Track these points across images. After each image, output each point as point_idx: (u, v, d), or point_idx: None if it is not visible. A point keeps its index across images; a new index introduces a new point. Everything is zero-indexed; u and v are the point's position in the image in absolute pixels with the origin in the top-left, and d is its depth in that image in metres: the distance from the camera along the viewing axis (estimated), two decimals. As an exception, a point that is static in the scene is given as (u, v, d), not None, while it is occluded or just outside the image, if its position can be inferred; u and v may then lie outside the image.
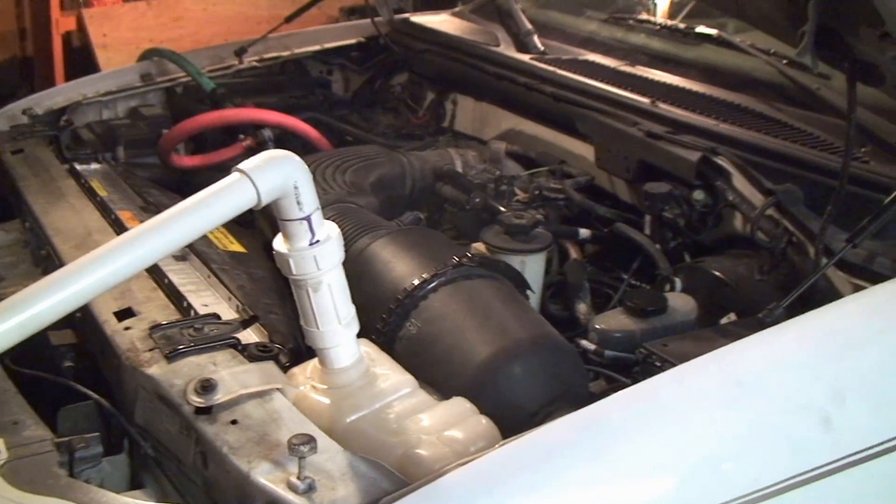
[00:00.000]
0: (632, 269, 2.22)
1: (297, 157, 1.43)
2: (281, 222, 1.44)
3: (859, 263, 1.81)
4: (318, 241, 1.44)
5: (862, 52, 1.74)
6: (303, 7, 3.55)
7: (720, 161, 2.12)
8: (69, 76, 5.75)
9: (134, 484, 1.60)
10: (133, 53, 5.72)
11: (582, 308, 2.14)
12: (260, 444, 1.39)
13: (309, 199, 1.42)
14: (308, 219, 1.42)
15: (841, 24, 1.70)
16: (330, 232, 1.46)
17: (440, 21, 3.37)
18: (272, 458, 1.36)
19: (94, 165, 2.67)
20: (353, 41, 3.55)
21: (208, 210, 1.34)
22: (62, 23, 5.79)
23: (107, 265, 1.25)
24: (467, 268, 1.82)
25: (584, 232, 2.32)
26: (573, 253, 2.31)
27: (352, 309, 1.52)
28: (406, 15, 3.53)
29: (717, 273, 2.04)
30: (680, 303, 1.98)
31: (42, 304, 1.22)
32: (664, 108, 2.34)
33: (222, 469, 1.38)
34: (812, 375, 1.46)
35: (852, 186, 1.90)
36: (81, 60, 5.78)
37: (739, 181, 2.08)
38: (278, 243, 1.47)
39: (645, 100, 2.39)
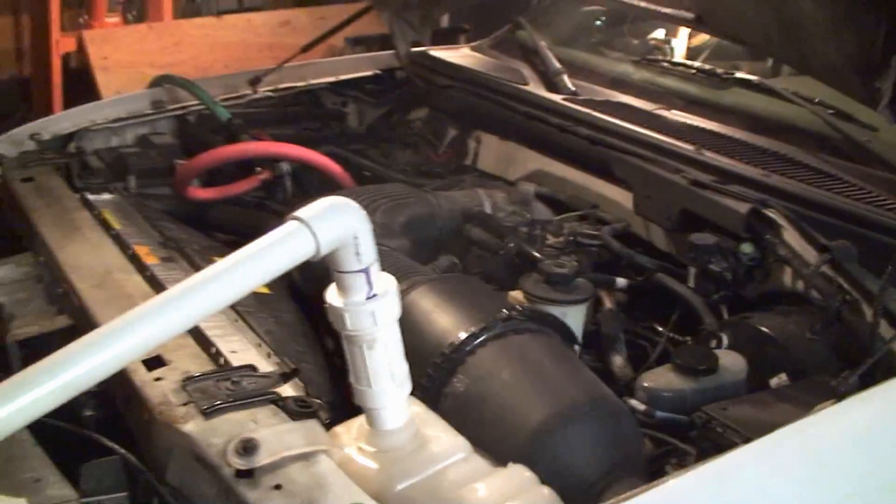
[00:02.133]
0: (671, 323, 2.13)
1: (356, 205, 1.34)
2: (336, 274, 1.34)
3: (919, 327, 1.74)
4: (375, 295, 1.34)
5: (934, 107, 1.67)
6: (321, 36, 3.47)
7: (771, 213, 2.04)
8: (67, 98, 5.67)
9: (163, 548, 1.49)
10: (133, 77, 5.66)
11: (618, 361, 2.05)
12: (306, 512, 1.29)
13: (368, 250, 1.33)
14: (366, 271, 1.33)
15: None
16: (387, 285, 1.37)
17: (461, 56, 3.30)
18: (320, 529, 1.26)
19: (106, 195, 2.57)
20: (368, 73, 3.47)
21: (265, 262, 1.24)
22: (62, 43, 5.69)
23: (159, 321, 1.15)
24: (517, 321, 1.72)
25: (621, 281, 2.24)
26: (607, 302, 2.22)
27: (405, 367, 1.42)
28: (423, 48, 3.45)
29: (766, 330, 1.95)
30: (730, 361, 1.89)
31: (87, 363, 1.11)
32: (709, 155, 2.26)
33: (265, 539, 1.28)
34: (894, 453, 1.37)
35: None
36: (80, 82, 5.69)
37: (791, 235, 2.00)
38: (332, 296, 1.37)
39: (688, 146, 2.31)
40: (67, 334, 1.90)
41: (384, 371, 1.39)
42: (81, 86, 5.62)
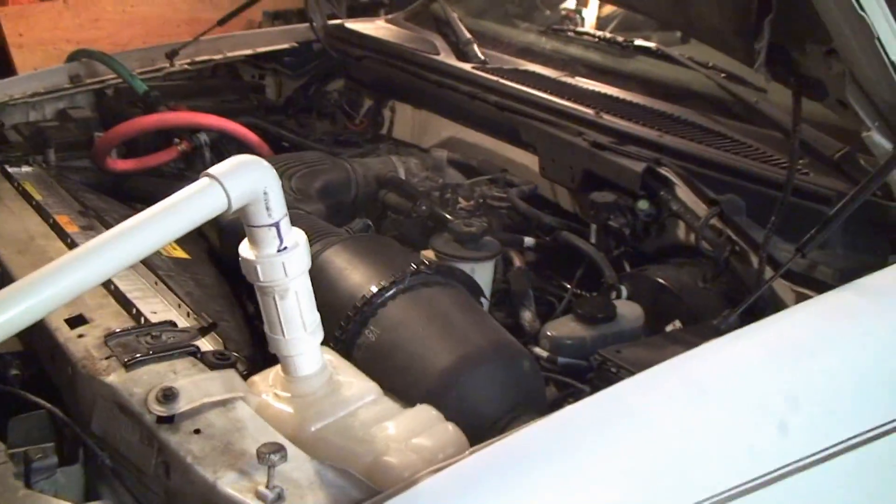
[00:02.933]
0: (576, 278, 2.25)
1: (266, 162, 1.42)
2: (248, 228, 1.43)
3: (801, 272, 1.87)
4: (286, 248, 1.43)
5: (807, 67, 1.80)
6: (236, 10, 3.50)
7: (664, 171, 2.17)
8: (-18, 75, 5.59)
9: (89, 495, 1.56)
10: (50, 54, 5.62)
11: (527, 316, 2.16)
12: (224, 453, 1.38)
13: (278, 204, 1.41)
14: (277, 225, 1.41)
15: (789, 40, 1.76)
16: (297, 238, 1.45)
17: (376, 28, 3.37)
18: (238, 468, 1.34)
19: (26, 168, 2.61)
20: (286, 46, 3.52)
21: (179, 216, 1.32)
22: (-25, 20, 5.62)
23: (75, 272, 1.23)
24: (425, 275, 1.82)
25: (528, 240, 2.35)
26: (517, 261, 2.33)
27: (317, 316, 1.51)
28: (339, 21, 3.52)
29: (661, 281, 2.08)
30: (627, 310, 2.02)
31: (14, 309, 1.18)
32: (608, 119, 2.38)
33: (186, 479, 1.36)
34: (768, 382, 1.50)
35: (792, 197, 1.97)
36: (-5, 59, 5.64)
37: (683, 191, 2.13)
38: (244, 249, 1.45)
39: (589, 111, 2.43)
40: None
41: (296, 320, 1.48)
42: (-3, 63, 5.58)
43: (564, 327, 1.97)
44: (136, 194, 2.78)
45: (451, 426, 1.48)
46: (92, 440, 1.52)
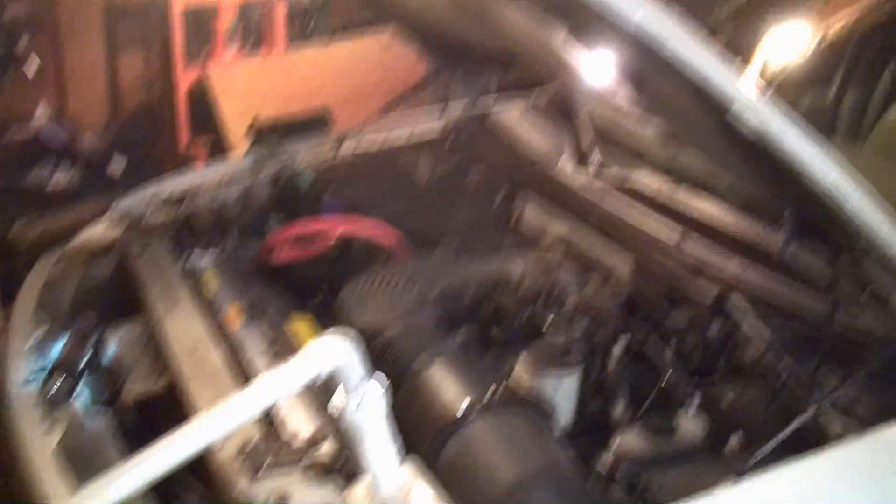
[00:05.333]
0: (653, 392, 2.47)
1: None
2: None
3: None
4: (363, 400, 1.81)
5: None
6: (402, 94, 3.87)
7: (735, 299, 2.45)
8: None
9: None
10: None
11: (619, 407, 2.44)
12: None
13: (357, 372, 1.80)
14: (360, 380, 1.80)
15: None
16: (376, 389, 1.82)
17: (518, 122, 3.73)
18: None
19: (205, 259, 3.08)
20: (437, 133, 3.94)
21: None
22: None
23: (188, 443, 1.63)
24: (500, 401, 2.15)
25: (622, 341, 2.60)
26: (615, 354, 2.56)
27: (394, 449, 1.87)
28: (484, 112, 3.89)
29: (724, 400, 2.36)
30: (690, 426, 2.31)
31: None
32: (691, 246, 2.69)
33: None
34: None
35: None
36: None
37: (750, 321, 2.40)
38: (338, 397, 1.83)
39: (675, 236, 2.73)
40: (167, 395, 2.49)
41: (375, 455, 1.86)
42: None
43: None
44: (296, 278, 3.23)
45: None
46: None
